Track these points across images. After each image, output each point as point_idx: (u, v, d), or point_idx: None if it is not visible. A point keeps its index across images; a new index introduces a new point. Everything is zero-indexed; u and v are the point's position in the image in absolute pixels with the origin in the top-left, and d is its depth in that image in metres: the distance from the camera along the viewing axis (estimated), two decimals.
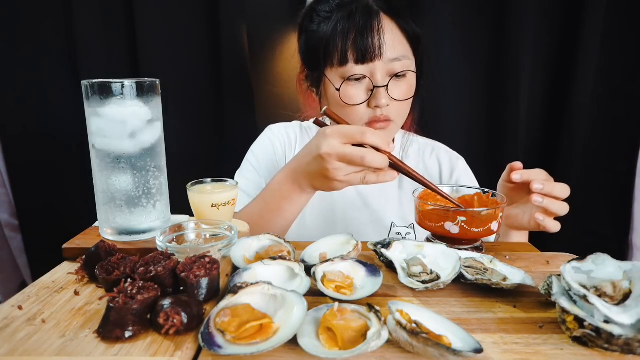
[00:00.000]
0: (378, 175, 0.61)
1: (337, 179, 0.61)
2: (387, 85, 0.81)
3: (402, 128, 0.99)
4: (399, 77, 0.83)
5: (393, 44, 0.80)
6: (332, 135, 0.59)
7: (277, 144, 1.03)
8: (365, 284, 0.56)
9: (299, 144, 1.05)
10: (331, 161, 0.60)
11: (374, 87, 0.81)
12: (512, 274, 0.59)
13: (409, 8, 1.26)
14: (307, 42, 0.90)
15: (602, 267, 0.51)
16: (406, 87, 0.84)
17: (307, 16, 0.89)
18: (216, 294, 0.53)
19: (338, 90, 0.83)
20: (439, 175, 1.04)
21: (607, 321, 0.44)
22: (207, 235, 0.67)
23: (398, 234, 0.97)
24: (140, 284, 0.47)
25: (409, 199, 0.98)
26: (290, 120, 1.12)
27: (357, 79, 0.82)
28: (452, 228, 0.68)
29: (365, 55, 0.78)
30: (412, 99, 0.87)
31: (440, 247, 0.64)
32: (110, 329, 0.44)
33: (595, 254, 0.52)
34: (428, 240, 0.75)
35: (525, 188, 0.71)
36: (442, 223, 0.69)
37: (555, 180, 0.70)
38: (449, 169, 1.03)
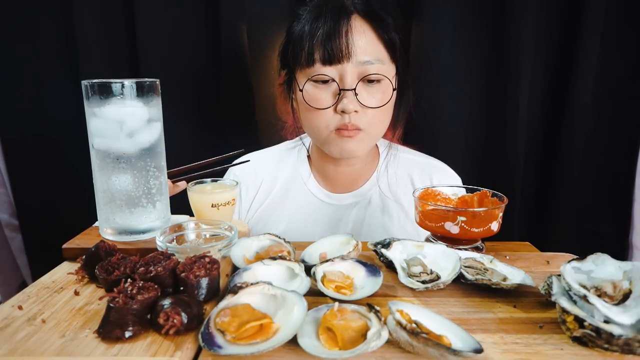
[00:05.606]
0: None
1: None
2: (354, 89, 0.76)
3: (385, 137, 0.93)
4: (372, 83, 0.78)
5: (365, 47, 0.75)
6: None
7: None
8: (365, 284, 0.56)
9: (269, 176, 0.99)
10: None
11: (341, 90, 0.76)
12: (512, 274, 0.59)
13: (408, 8, 1.26)
14: (283, 43, 0.87)
15: (602, 267, 0.51)
16: (379, 94, 0.78)
17: (291, 20, 0.86)
18: (216, 294, 0.53)
19: (301, 91, 0.79)
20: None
21: (607, 321, 0.44)
22: (207, 235, 0.67)
23: None
24: (140, 284, 0.47)
25: (408, 219, 0.92)
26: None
27: (325, 82, 0.77)
28: (452, 228, 0.68)
29: (332, 56, 0.74)
30: (386, 106, 0.81)
31: (440, 247, 0.64)
32: (110, 329, 0.44)
33: (595, 254, 0.52)
34: (428, 240, 0.75)
35: None
36: (442, 223, 0.69)
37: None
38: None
